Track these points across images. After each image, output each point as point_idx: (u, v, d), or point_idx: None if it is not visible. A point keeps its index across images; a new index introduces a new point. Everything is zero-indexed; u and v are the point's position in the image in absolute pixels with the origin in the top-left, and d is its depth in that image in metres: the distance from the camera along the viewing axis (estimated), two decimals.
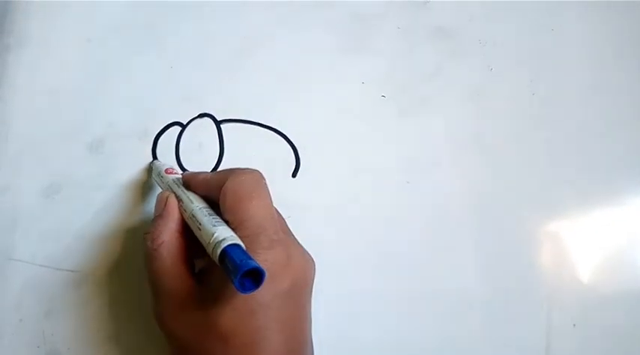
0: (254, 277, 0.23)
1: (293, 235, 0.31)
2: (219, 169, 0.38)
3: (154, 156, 0.38)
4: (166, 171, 0.34)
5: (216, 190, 0.29)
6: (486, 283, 0.36)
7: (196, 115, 0.39)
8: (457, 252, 0.36)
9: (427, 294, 0.35)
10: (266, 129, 0.39)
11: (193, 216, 0.28)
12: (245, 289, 0.23)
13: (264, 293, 0.25)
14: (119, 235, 0.36)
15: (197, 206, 0.29)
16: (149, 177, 0.37)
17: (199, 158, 0.38)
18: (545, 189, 0.38)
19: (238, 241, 0.25)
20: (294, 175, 0.38)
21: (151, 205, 0.36)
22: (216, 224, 0.27)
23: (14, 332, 0.33)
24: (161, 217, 0.30)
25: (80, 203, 0.36)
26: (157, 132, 0.38)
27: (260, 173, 0.30)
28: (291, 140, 0.38)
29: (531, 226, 0.37)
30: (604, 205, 0.38)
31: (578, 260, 0.37)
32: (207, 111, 0.39)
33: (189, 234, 0.29)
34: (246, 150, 0.38)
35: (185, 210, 0.30)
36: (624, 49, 0.42)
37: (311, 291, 0.29)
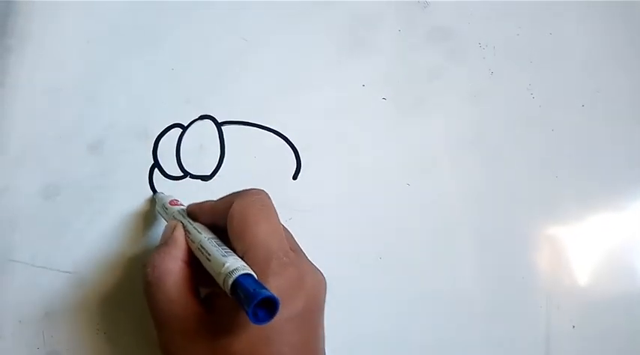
0: (268, 306, 0.23)
1: (303, 252, 0.30)
2: (219, 171, 0.38)
3: (154, 158, 0.38)
4: (170, 202, 0.34)
5: (223, 216, 0.28)
6: (486, 283, 0.36)
7: (197, 117, 0.39)
8: (457, 253, 0.37)
9: (427, 295, 0.36)
10: (267, 131, 0.39)
11: (202, 246, 0.28)
12: (258, 320, 0.23)
13: (278, 318, 0.24)
14: (119, 236, 0.36)
15: (205, 236, 0.28)
16: (152, 209, 0.36)
17: (200, 160, 0.38)
18: (544, 191, 0.38)
19: (249, 271, 0.25)
20: (294, 177, 0.38)
21: (151, 207, 0.36)
22: (226, 254, 0.26)
23: (14, 333, 0.33)
24: (166, 245, 0.29)
25: (80, 204, 0.36)
26: (157, 134, 0.38)
27: (265, 193, 0.30)
28: (292, 142, 0.38)
29: (530, 227, 0.38)
30: (603, 207, 0.39)
31: (577, 261, 0.37)
32: (208, 113, 0.39)
33: (195, 266, 0.28)
34: (247, 152, 0.38)
35: (193, 241, 0.29)
36: (623, 51, 0.42)
37: (323, 310, 0.28)
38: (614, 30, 0.43)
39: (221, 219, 0.29)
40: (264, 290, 0.23)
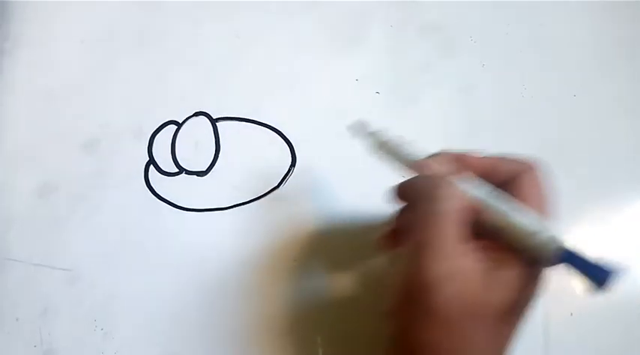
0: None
1: None
2: (215, 166, 0.38)
3: (150, 155, 0.38)
4: None
5: (504, 175, 0.26)
6: None
7: (192, 114, 0.39)
8: None
9: None
10: (262, 127, 0.39)
11: (496, 201, 0.25)
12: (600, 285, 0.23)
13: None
14: (114, 233, 0.36)
15: (493, 190, 0.26)
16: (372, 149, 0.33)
17: (195, 156, 0.38)
18: None
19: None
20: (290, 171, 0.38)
21: (149, 206, 0.36)
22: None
23: (11, 331, 0.33)
24: (445, 184, 0.26)
25: (76, 202, 0.36)
26: (152, 131, 0.38)
27: None
28: (287, 137, 0.39)
29: None
30: (597, 195, 0.39)
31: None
32: (202, 110, 0.39)
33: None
34: (242, 148, 0.38)
35: (478, 189, 0.26)
36: (614, 40, 0.43)
37: None
38: (605, 19, 0.43)
39: (497, 176, 0.27)
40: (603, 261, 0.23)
